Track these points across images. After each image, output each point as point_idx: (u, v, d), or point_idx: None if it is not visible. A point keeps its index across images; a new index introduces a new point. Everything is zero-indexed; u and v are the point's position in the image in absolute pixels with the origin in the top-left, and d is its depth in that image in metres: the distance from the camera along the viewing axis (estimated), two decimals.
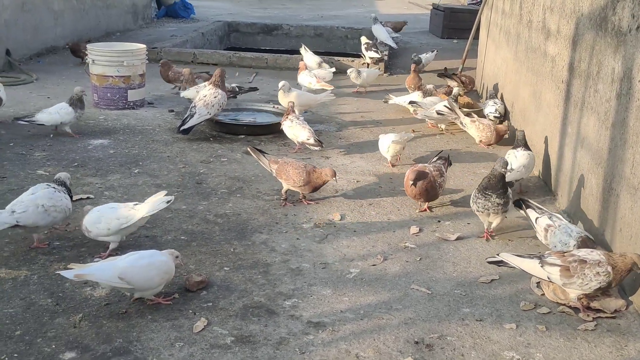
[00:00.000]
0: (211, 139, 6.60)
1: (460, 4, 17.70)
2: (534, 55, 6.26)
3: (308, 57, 9.38)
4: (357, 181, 5.55)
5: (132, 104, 7.52)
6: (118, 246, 4.03)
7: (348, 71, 8.62)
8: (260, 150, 5.18)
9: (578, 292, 3.55)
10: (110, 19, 12.60)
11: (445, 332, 3.39)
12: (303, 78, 8.13)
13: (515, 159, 5.22)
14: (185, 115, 6.48)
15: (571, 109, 4.97)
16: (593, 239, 4.04)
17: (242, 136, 6.67)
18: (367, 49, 10.10)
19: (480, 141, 6.44)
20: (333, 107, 7.93)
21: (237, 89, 7.60)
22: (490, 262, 3.89)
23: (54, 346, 3.14)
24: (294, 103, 6.32)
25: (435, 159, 5.21)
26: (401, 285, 3.86)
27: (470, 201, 4.51)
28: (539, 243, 4.33)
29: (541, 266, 3.58)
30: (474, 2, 16.51)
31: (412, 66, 8.52)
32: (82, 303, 3.52)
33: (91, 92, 7.55)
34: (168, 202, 4.05)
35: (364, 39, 10.31)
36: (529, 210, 4.31)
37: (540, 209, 4.32)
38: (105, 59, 7.38)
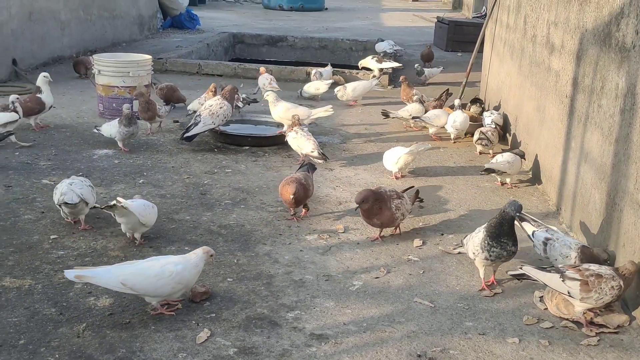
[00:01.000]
0: (215, 149, 6.62)
1: (464, 17, 17.77)
2: (538, 69, 6.28)
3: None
4: None
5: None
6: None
7: (335, 90, 8.69)
8: None
9: (589, 306, 3.55)
10: (117, 30, 12.68)
11: (448, 345, 3.39)
12: (263, 80, 8.66)
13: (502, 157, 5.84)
14: (190, 124, 6.51)
15: (575, 124, 4.99)
16: (588, 246, 4.11)
17: (247, 147, 6.69)
18: (378, 62, 10.40)
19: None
20: (337, 119, 7.95)
21: (247, 99, 7.87)
22: (512, 275, 3.95)
23: (57, 356, 3.15)
24: (299, 116, 6.34)
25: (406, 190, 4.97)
26: (404, 298, 3.86)
27: (477, 249, 3.97)
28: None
29: (562, 280, 3.58)
30: (478, 15, 16.56)
31: (401, 78, 8.64)
32: (86, 313, 3.54)
33: (97, 102, 7.60)
34: None
35: (368, 59, 10.60)
36: (524, 224, 4.25)
37: (536, 221, 4.32)
38: (111, 70, 7.43)
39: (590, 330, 3.56)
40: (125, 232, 4.38)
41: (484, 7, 16.22)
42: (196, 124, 6.41)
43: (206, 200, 5.25)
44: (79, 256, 4.18)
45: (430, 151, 6.75)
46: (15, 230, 4.52)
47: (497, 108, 7.67)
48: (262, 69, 9.17)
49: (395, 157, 5.83)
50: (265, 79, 8.69)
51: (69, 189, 4.42)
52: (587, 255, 3.95)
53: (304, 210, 5.00)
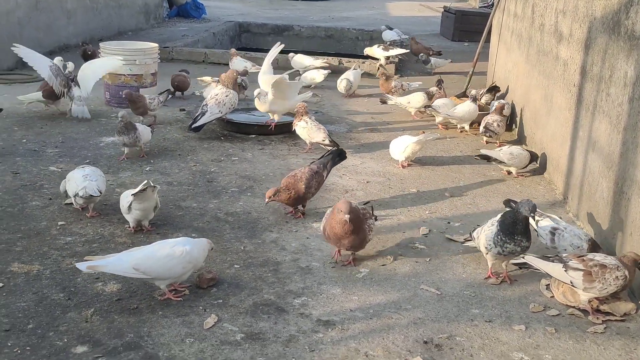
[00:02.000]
0: (222, 138, 6.63)
1: (471, 7, 17.69)
2: (545, 58, 6.26)
3: (297, 58, 9.68)
4: (367, 182, 5.56)
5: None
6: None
7: (342, 88, 8.61)
8: None
9: (593, 296, 3.55)
10: (123, 19, 12.68)
11: (455, 332, 3.40)
12: (237, 64, 8.74)
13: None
14: (197, 114, 6.51)
15: (583, 113, 4.97)
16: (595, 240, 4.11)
17: (253, 136, 6.69)
18: (384, 49, 10.45)
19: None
20: (343, 107, 7.94)
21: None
22: (514, 264, 3.94)
23: (65, 340, 3.17)
24: (305, 104, 6.33)
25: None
26: (410, 286, 3.87)
27: (489, 244, 3.90)
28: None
29: (565, 270, 3.58)
30: (485, 4, 16.49)
31: (379, 73, 8.78)
32: (94, 298, 3.56)
33: (103, 90, 7.61)
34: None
35: (374, 47, 10.60)
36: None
37: (542, 213, 4.32)
38: (117, 58, 7.41)
39: (597, 318, 3.56)
40: (130, 222, 4.36)
41: None
42: (203, 114, 6.41)
43: (213, 187, 5.26)
44: (86, 242, 4.20)
45: (436, 140, 6.74)
46: (23, 216, 4.53)
47: (503, 97, 7.66)
48: (232, 50, 9.32)
49: (402, 146, 5.82)
50: (245, 62, 8.83)
51: (88, 182, 4.43)
52: (595, 248, 3.95)
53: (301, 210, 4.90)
